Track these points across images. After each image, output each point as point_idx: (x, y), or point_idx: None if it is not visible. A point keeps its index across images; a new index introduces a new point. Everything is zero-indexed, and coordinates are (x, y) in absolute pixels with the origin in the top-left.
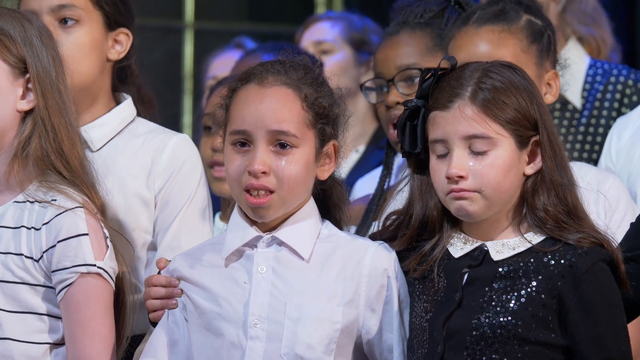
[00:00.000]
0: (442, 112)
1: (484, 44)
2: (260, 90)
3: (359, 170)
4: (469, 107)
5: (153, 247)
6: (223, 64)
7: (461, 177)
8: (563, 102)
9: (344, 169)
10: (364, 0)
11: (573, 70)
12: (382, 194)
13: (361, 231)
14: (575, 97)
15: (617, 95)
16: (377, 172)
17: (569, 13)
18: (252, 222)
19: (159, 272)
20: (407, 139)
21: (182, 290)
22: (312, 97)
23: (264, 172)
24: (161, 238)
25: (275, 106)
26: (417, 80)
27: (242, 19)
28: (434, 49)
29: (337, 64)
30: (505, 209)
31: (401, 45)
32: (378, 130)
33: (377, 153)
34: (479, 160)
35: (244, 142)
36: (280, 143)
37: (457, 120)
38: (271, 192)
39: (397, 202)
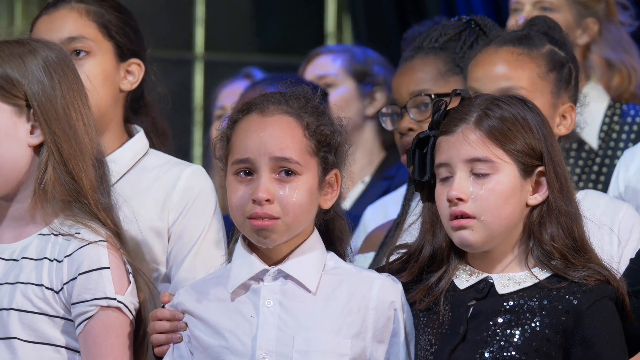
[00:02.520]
0: (447, 137)
1: (501, 64)
2: (262, 119)
3: (365, 201)
4: (473, 131)
5: (167, 279)
6: (231, 94)
7: (461, 199)
8: (580, 142)
9: (349, 200)
10: (372, 32)
11: (592, 111)
12: (400, 223)
13: (378, 258)
14: (592, 138)
15: (632, 136)
16: (387, 200)
17: (597, 49)
18: (257, 253)
19: (163, 306)
20: (416, 167)
21: (186, 324)
22: (313, 126)
23: (267, 200)
24: (175, 270)
25: (277, 134)
26: (430, 106)
27: (252, 50)
28: (447, 74)
29: (340, 97)
30: (509, 240)
31: (414, 71)
32: (384, 162)
33: (382, 183)
34: (480, 185)
35: (247, 171)
36: (284, 170)
37: (460, 143)
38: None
39: (412, 235)
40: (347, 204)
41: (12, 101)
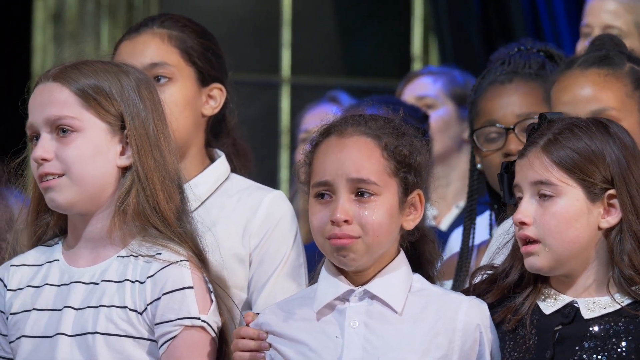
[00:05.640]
0: (520, 160)
1: (589, 86)
2: (340, 141)
3: (460, 225)
4: (539, 154)
5: (247, 306)
6: (316, 117)
7: (524, 223)
8: None
9: (444, 224)
10: (459, 54)
11: None
12: (468, 249)
13: (455, 285)
14: None
15: None
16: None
17: None
18: (343, 274)
19: (247, 325)
20: (505, 190)
21: (270, 344)
22: (392, 146)
23: (346, 221)
24: (257, 296)
25: (354, 155)
26: None
27: (338, 73)
28: (547, 100)
29: (440, 120)
30: (585, 264)
31: (517, 94)
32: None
33: (478, 208)
34: (544, 209)
35: (327, 193)
36: (362, 192)
37: (527, 166)
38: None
39: (499, 259)
40: (441, 229)
41: (107, 119)
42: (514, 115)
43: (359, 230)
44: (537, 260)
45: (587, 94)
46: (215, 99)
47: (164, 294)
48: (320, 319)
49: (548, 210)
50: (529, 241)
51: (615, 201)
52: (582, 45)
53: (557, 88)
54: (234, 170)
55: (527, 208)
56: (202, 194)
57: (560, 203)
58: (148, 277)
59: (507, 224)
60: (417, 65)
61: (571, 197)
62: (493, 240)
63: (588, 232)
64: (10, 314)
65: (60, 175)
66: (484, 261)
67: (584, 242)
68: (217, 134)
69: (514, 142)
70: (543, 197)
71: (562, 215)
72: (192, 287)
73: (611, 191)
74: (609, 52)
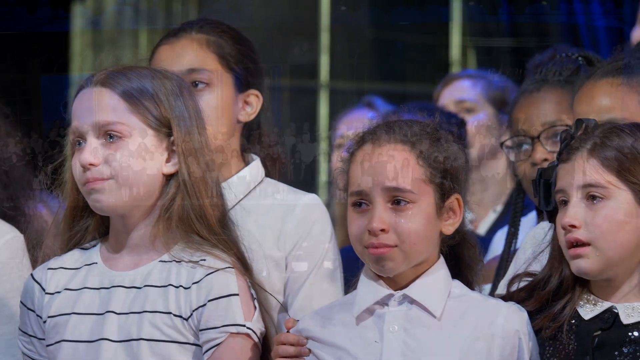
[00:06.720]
0: (564, 164)
1: (601, 97)
2: (374, 149)
3: (497, 230)
4: (587, 157)
5: (283, 309)
6: (352, 123)
7: (574, 226)
8: None
9: (481, 229)
10: (495, 59)
11: None
12: (509, 254)
13: (493, 289)
14: None
15: None
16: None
17: None
18: (383, 279)
19: (287, 331)
20: (541, 197)
21: (309, 350)
22: (427, 153)
23: (382, 230)
24: (292, 300)
25: (389, 163)
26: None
27: (376, 79)
28: None
29: (480, 124)
30: (629, 268)
31: (545, 102)
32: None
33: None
34: (594, 212)
35: (364, 202)
36: (398, 200)
37: (574, 170)
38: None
39: (535, 266)
40: (479, 233)
41: (153, 125)
42: (540, 124)
43: (396, 239)
44: (586, 263)
45: (600, 104)
46: (251, 105)
47: (209, 301)
48: (360, 323)
49: (599, 213)
50: (576, 244)
51: None
52: (638, 32)
53: (575, 99)
54: (268, 175)
55: (576, 211)
56: (237, 195)
57: (610, 205)
58: (194, 283)
59: (538, 231)
60: (455, 71)
61: (621, 200)
62: (521, 248)
63: (637, 235)
64: (48, 317)
65: (106, 179)
66: (512, 268)
67: (633, 245)
68: (251, 139)
69: (540, 151)
70: (592, 200)
71: (613, 218)
72: (237, 295)
73: None
74: (630, 60)
